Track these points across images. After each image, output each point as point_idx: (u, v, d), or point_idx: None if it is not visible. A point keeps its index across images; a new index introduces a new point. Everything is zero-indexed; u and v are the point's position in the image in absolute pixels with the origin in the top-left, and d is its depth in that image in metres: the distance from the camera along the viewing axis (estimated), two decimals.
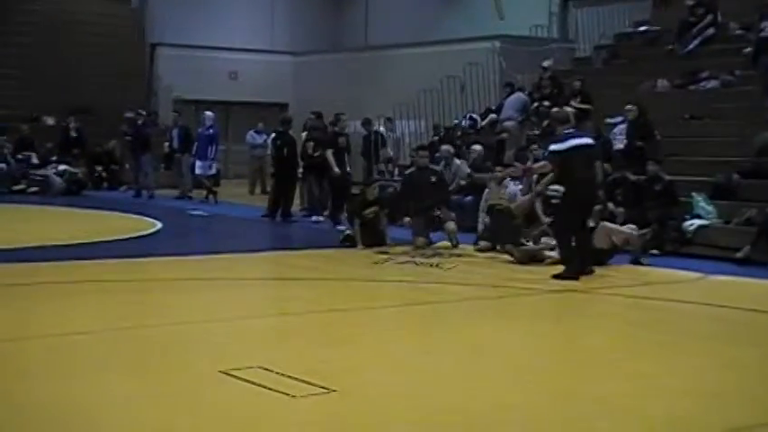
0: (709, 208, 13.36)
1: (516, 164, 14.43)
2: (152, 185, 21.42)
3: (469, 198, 14.95)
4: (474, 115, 20.29)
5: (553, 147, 11.04)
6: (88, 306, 8.70)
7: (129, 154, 22.02)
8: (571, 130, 11.08)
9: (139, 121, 21.83)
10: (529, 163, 15.84)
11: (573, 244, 10.91)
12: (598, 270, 11.04)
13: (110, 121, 24.84)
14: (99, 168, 23.47)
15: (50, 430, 5.13)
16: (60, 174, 22.02)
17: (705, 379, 6.66)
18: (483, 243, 13.05)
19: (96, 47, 26.38)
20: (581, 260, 10.88)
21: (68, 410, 5.46)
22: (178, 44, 27.77)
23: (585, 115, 15.99)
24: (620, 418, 5.54)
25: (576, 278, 10.56)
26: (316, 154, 16.68)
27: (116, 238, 13.77)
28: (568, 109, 12.65)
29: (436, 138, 19.77)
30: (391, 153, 20.11)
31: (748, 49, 16.85)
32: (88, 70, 25.82)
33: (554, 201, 12.44)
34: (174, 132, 21.43)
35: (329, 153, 16.19)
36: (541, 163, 11.61)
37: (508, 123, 18.13)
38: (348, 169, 16.64)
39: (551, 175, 11.50)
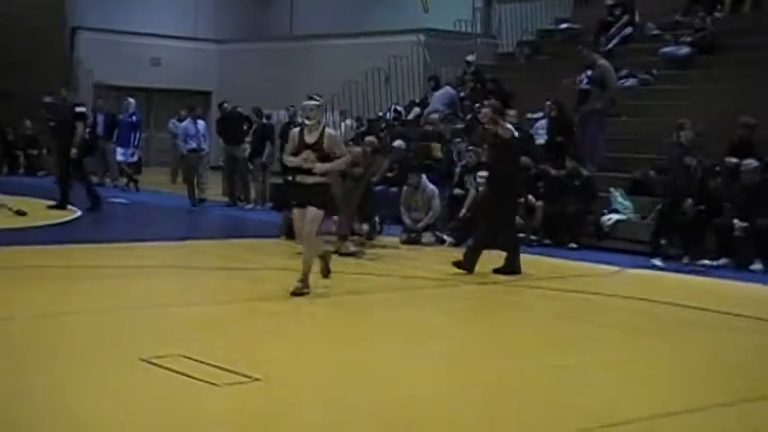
0: (627, 203, 13.68)
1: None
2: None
3: (395, 189, 14.97)
4: (398, 108, 20.37)
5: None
6: (6, 293, 8.54)
7: (53, 140, 21.65)
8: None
9: (61, 105, 21.50)
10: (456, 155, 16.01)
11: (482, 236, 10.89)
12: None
13: (29, 107, 24.30)
14: (18, 153, 22.98)
15: None
16: None
17: (624, 369, 6.84)
18: (404, 236, 13.36)
19: (14, 29, 25.75)
20: (471, 254, 10.69)
21: None
22: (99, 28, 27.26)
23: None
24: (544, 409, 5.66)
25: (518, 272, 10.64)
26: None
27: (33, 225, 13.51)
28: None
29: (361, 129, 19.78)
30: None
31: (665, 49, 17.28)
32: (6, 53, 25.20)
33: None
34: (100, 118, 21.00)
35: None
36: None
37: (434, 116, 18.25)
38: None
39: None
